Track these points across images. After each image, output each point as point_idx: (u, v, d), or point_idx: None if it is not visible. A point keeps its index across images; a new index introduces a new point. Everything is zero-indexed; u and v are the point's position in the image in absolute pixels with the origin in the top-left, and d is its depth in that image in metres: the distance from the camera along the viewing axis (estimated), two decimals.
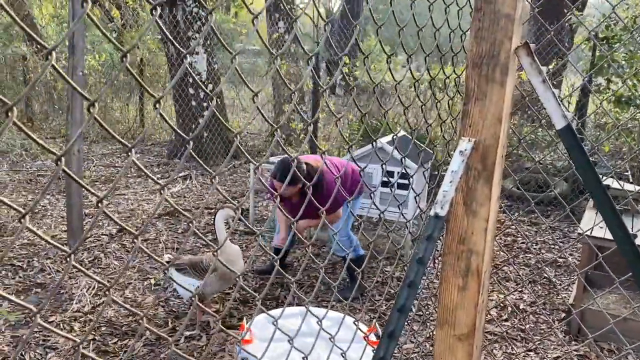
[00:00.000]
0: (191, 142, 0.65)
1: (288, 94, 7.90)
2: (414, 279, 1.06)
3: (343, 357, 1.34)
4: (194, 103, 7.02)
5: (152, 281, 3.68)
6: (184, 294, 3.15)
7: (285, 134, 7.49)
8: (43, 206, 5.15)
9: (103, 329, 3.08)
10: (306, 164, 3.26)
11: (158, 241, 4.40)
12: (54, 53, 0.50)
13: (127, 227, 0.79)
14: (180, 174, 6.53)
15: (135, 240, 0.71)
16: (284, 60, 8.04)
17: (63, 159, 0.52)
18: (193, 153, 0.69)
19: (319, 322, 1.25)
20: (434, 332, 1.37)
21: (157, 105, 0.62)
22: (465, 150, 1.21)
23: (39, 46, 9.89)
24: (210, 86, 7.11)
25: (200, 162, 0.97)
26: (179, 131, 0.78)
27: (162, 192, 0.69)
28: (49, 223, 4.73)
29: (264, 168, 4.86)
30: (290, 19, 8.18)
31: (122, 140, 0.68)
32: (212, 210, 5.21)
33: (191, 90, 7.02)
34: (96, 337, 2.98)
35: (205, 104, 7.08)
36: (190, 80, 6.83)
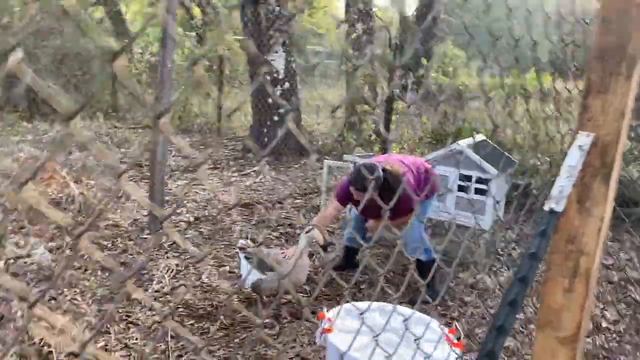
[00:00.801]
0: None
1: (361, 96, 7.90)
2: (527, 274, 1.03)
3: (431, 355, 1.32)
4: (269, 100, 7.14)
5: (227, 268, 3.79)
6: (244, 277, 3.24)
7: (358, 135, 7.49)
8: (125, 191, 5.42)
9: (180, 310, 3.20)
10: (383, 170, 3.20)
11: (232, 230, 4.52)
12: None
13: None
14: (254, 168, 6.68)
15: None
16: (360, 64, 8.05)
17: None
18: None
19: (405, 320, 1.24)
20: (535, 334, 1.32)
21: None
22: (584, 145, 1.16)
23: (126, 41, 10.44)
24: (287, 84, 7.22)
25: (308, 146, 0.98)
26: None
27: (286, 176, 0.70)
28: (130, 207, 4.97)
29: (334, 165, 4.89)
30: (368, 20, 8.18)
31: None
32: (283, 205, 5.30)
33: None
34: (174, 318, 3.10)
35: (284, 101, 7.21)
36: (268, 77, 6.97)
